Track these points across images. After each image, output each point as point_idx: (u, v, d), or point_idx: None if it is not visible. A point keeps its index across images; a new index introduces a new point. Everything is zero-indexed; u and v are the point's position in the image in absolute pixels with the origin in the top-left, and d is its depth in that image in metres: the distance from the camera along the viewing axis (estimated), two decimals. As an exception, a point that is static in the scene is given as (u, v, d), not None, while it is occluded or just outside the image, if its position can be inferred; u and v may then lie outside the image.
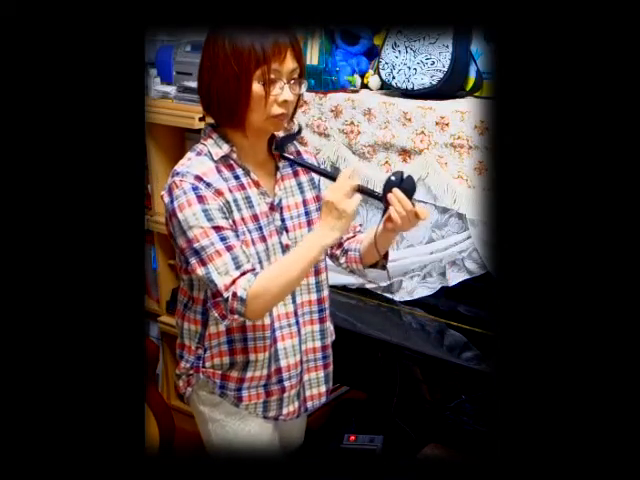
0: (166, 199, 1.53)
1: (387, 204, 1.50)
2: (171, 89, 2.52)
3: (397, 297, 2.20)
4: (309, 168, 1.64)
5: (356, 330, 2.13)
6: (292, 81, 1.52)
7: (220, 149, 1.56)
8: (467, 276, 2.06)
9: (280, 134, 1.65)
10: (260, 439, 1.69)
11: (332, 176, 1.53)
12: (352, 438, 2.26)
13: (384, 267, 1.70)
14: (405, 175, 1.51)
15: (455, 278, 2.08)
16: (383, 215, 1.53)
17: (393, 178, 1.50)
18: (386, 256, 1.68)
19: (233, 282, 1.47)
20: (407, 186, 1.50)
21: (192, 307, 1.63)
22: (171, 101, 2.50)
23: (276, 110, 1.51)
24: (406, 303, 2.18)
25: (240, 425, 1.68)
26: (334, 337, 1.79)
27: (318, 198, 1.69)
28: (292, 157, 1.64)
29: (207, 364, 1.64)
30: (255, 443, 1.69)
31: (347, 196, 1.45)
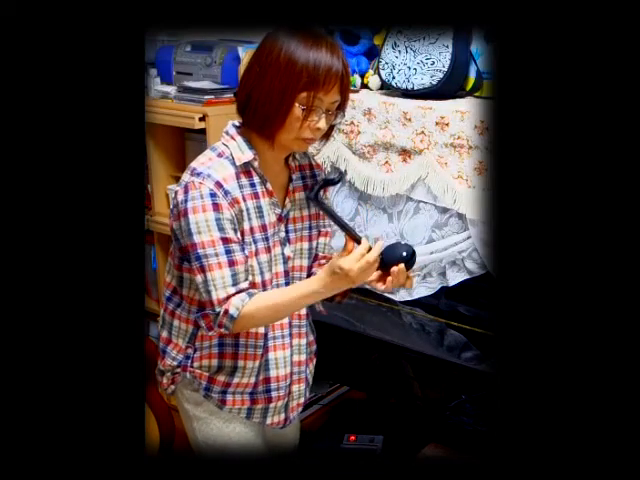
0: (180, 196, 1.52)
1: (386, 270, 1.52)
2: (171, 89, 2.53)
3: (397, 297, 2.20)
4: (340, 225, 1.53)
5: (356, 330, 2.13)
6: (330, 111, 1.52)
7: (243, 155, 1.54)
8: (467, 276, 2.06)
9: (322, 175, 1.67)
10: (245, 437, 1.70)
11: (357, 238, 1.50)
12: (352, 438, 2.27)
13: (339, 303, 1.73)
14: (412, 251, 1.53)
15: (455, 278, 2.08)
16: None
17: (404, 254, 1.52)
18: (346, 294, 1.69)
19: (227, 298, 1.49)
20: (412, 263, 1.54)
21: (185, 306, 1.63)
22: (171, 101, 2.50)
23: (307, 134, 1.51)
24: (406, 303, 2.18)
25: (224, 423, 1.69)
26: (315, 346, 1.81)
27: (318, 215, 1.70)
28: (327, 208, 1.56)
29: (195, 364, 1.65)
30: (240, 441, 1.70)
31: (365, 274, 1.46)
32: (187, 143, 2.62)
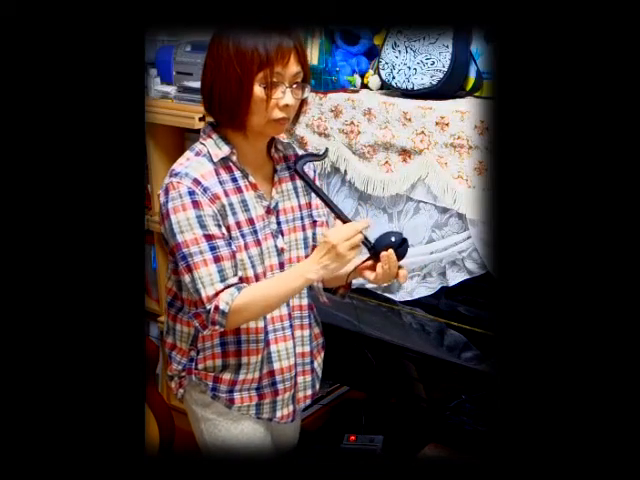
0: (162, 199, 1.53)
1: (376, 258, 1.53)
2: (171, 89, 2.52)
3: (397, 297, 2.20)
4: (325, 202, 1.60)
5: (356, 330, 2.13)
6: (295, 85, 1.51)
7: (220, 150, 1.55)
8: (467, 276, 2.06)
9: (302, 151, 1.66)
10: (253, 438, 1.70)
11: (343, 217, 1.55)
12: (352, 438, 2.26)
13: (342, 296, 1.74)
14: (402, 238, 1.54)
15: (455, 278, 2.08)
16: (366, 260, 1.56)
17: (393, 239, 1.53)
18: (349, 287, 1.70)
19: (216, 294, 1.49)
20: (402, 251, 1.54)
21: (186, 309, 1.63)
22: (171, 101, 2.50)
23: (277, 114, 1.51)
24: (406, 303, 2.18)
25: (232, 424, 1.68)
26: (322, 339, 1.80)
27: (310, 205, 1.69)
28: (309, 181, 1.61)
29: (199, 366, 1.65)
30: (248, 442, 1.69)
31: (351, 245, 1.47)
32: (187, 143, 2.62)
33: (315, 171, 1.75)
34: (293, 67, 1.49)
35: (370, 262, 1.55)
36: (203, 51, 2.51)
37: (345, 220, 1.54)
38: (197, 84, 2.46)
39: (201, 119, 2.35)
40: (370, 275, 1.56)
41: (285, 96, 1.50)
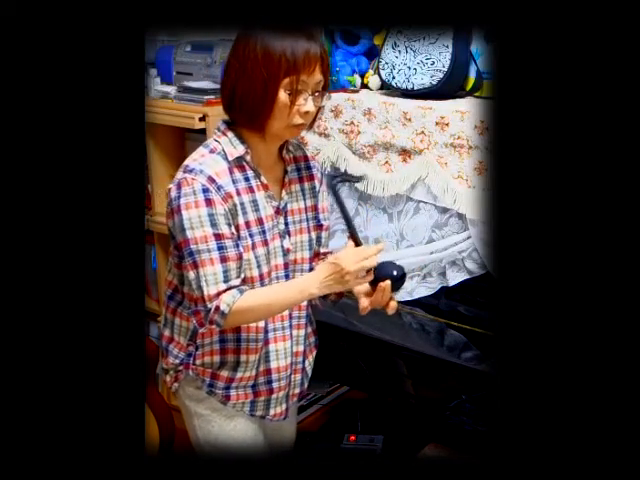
0: (173, 193, 1.52)
1: (373, 284, 1.54)
2: (171, 89, 2.53)
3: (397, 297, 2.20)
4: (346, 220, 1.60)
5: (356, 330, 2.13)
6: (316, 93, 1.52)
7: (235, 149, 1.55)
8: (467, 276, 2.06)
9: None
10: (245, 435, 1.70)
11: (357, 239, 1.55)
12: (352, 438, 2.27)
13: (334, 303, 1.76)
14: (403, 273, 1.56)
15: (455, 278, 2.08)
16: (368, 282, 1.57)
17: (395, 273, 1.54)
18: (341, 295, 1.71)
19: (218, 295, 1.50)
20: (399, 284, 1.56)
21: (186, 304, 1.63)
22: (171, 101, 2.50)
23: (297, 120, 1.52)
24: (406, 303, 2.18)
25: (226, 421, 1.69)
26: (314, 338, 1.81)
27: (315, 207, 1.70)
28: (340, 198, 1.60)
29: (197, 362, 1.65)
30: (241, 439, 1.70)
31: (357, 274, 1.48)
32: (187, 143, 2.62)
33: (322, 173, 1.76)
34: (317, 75, 1.50)
35: (366, 285, 1.56)
36: (203, 51, 2.54)
37: (358, 242, 1.55)
38: (197, 84, 2.48)
39: (201, 119, 2.35)
40: (365, 302, 1.58)
41: (307, 103, 1.51)
